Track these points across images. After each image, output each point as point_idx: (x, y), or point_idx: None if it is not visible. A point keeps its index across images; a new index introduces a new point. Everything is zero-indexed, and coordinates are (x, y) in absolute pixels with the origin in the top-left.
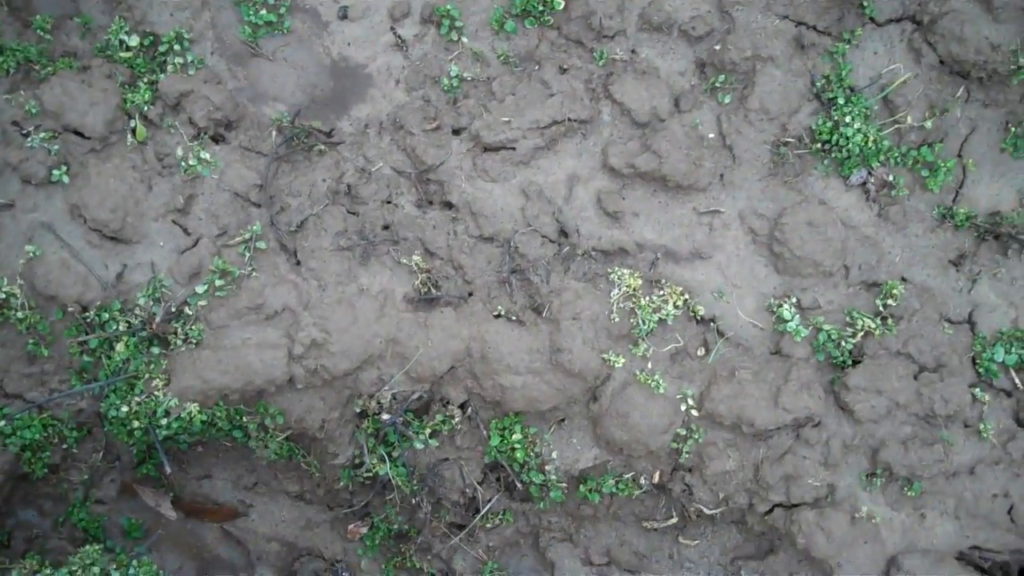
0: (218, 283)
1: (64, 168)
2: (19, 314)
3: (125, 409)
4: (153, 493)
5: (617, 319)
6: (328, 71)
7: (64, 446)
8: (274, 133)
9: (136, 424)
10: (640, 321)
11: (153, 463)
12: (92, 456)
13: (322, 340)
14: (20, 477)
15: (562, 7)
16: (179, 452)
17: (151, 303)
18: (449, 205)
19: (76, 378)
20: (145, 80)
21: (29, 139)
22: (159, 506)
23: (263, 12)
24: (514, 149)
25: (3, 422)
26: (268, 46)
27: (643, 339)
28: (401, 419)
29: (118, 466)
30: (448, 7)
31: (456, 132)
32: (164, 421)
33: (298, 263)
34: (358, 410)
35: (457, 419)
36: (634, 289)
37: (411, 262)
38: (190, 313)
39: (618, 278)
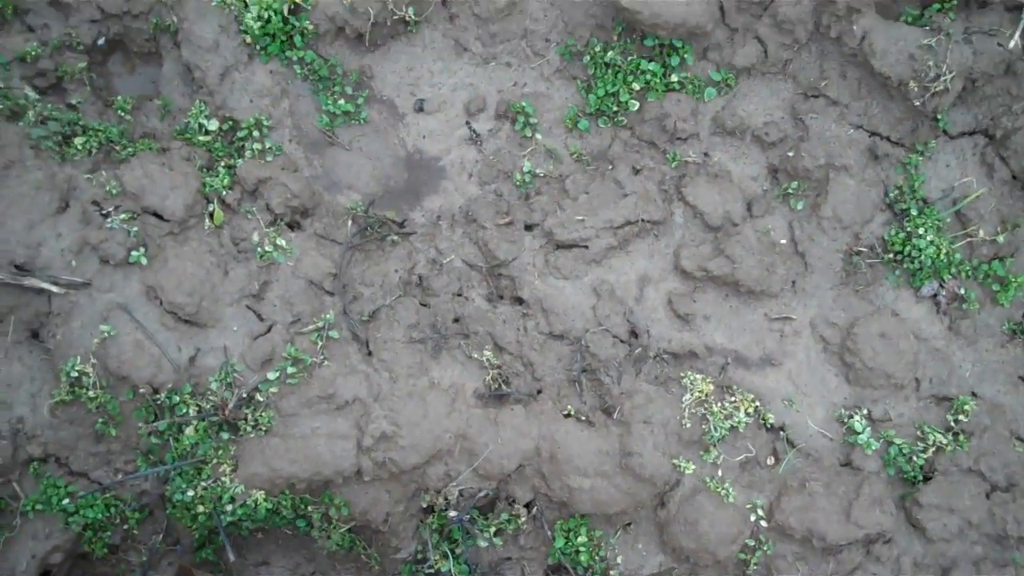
0: (290, 370)
1: (143, 250)
2: (90, 393)
3: (191, 493)
4: None
5: (689, 424)
6: (403, 162)
7: (125, 527)
8: (349, 222)
9: (201, 509)
10: (712, 428)
11: (213, 548)
12: (152, 538)
13: (392, 433)
14: (80, 556)
15: (636, 108)
16: (239, 538)
17: (223, 388)
18: (520, 301)
19: (142, 459)
20: (223, 164)
21: (109, 220)
22: None
23: (341, 102)
24: (587, 247)
25: (67, 500)
26: (345, 136)
27: (714, 446)
28: (468, 516)
29: (178, 549)
30: (523, 104)
31: (528, 228)
32: (229, 507)
33: (370, 354)
34: (424, 505)
35: (523, 518)
36: (706, 394)
37: (482, 357)
38: (261, 400)
39: (690, 383)
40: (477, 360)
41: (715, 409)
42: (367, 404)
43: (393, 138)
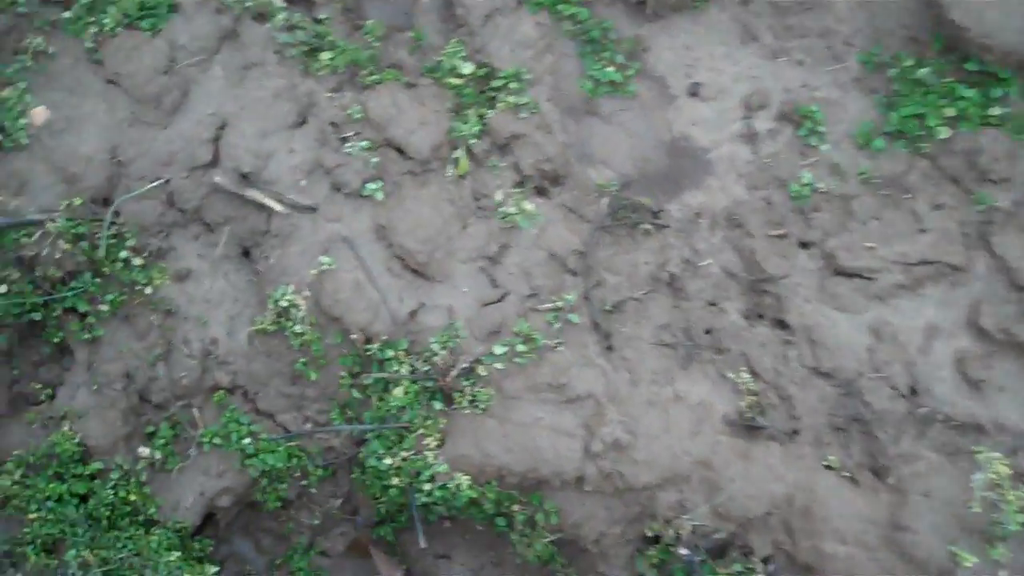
0: (520, 348)
1: (379, 184)
2: (296, 327)
3: (388, 462)
4: (387, 560)
5: (977, 509)
6: (665, 147)
7: (304, 483)
8: (605, 200)
9: (395, 481)
10: (1004, 519)
11: (393, 527)
12: (329, 501)
13: (626, 442)
14: (249, 504)
15: (944, 137)
16: (425, 522)
17: (444, 352)
18: (782, 324)
19: (338, 413)
20: (474, 112)
21: (347, 145)
22: None
23: (609, 70)
24: (871, 280)
25: (248, 440)
26: (606, 106)
27: (1003, 541)
28: (700, 558)
29: (358, 521)
30: (813, 108)
31: (804, 245)
32: (427, 486)
33: (610, 348)
34: (650, 534)
35: (758, 573)
36: (1002, 478)
37: (739, 379)
38: (483, 374)
39: (985, 461)
40: (732, 381)
41: (1010, 498)
42: (601, 404)
43: (659, 119)
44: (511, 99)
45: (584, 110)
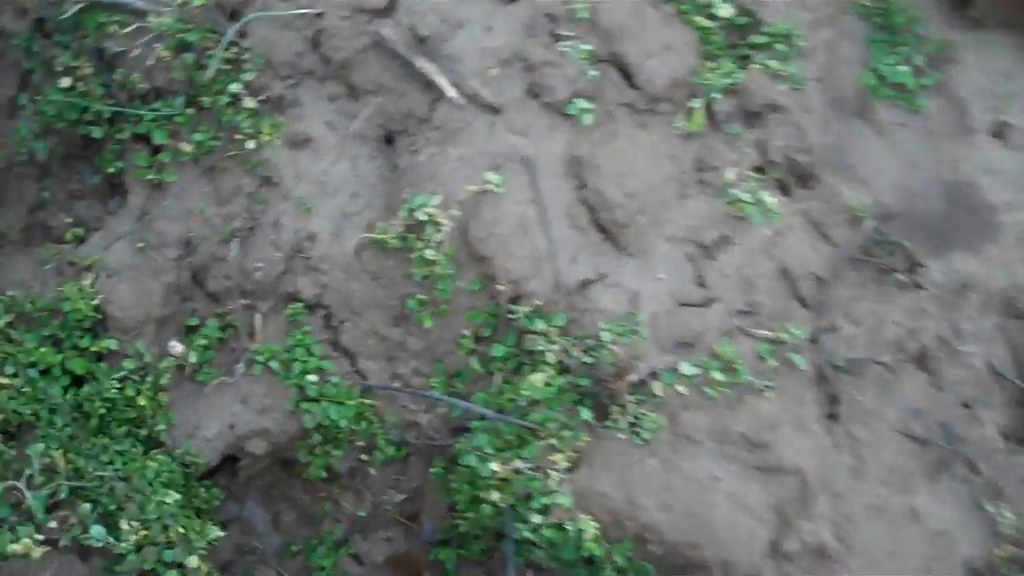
0: (715, 375)
1: (590, 104)
2: (427, 252)
3: (494, 467)
4: None
5: None
6: (943, 188)
7: (364, 457)
8: (867, 226)
9: (495, 497)
10: None
11: (460, 553)
12: (388, 492)
13: (834, 552)
14: (284, 462)
15: None
16: (503, 563)
17: (615, 347)
18: None
19: (442, 381)
20: (722, 63)
21: (562, 44)
22: None
23: (903, 69)
24: None
25: (313, 377)
26: (884, 114)
27: None
28: None
29: (423, 530)
30: None
31: None
32: (536, 519)
33: (833, 416)
34: None
35: None
36: None
37: (1001, 518)
38: (658, 394)
39: None
40: (989, 515)
41: None
42: (810, 487)
43: (945, 151)
44: (772, 63)
45: (854, 109)
